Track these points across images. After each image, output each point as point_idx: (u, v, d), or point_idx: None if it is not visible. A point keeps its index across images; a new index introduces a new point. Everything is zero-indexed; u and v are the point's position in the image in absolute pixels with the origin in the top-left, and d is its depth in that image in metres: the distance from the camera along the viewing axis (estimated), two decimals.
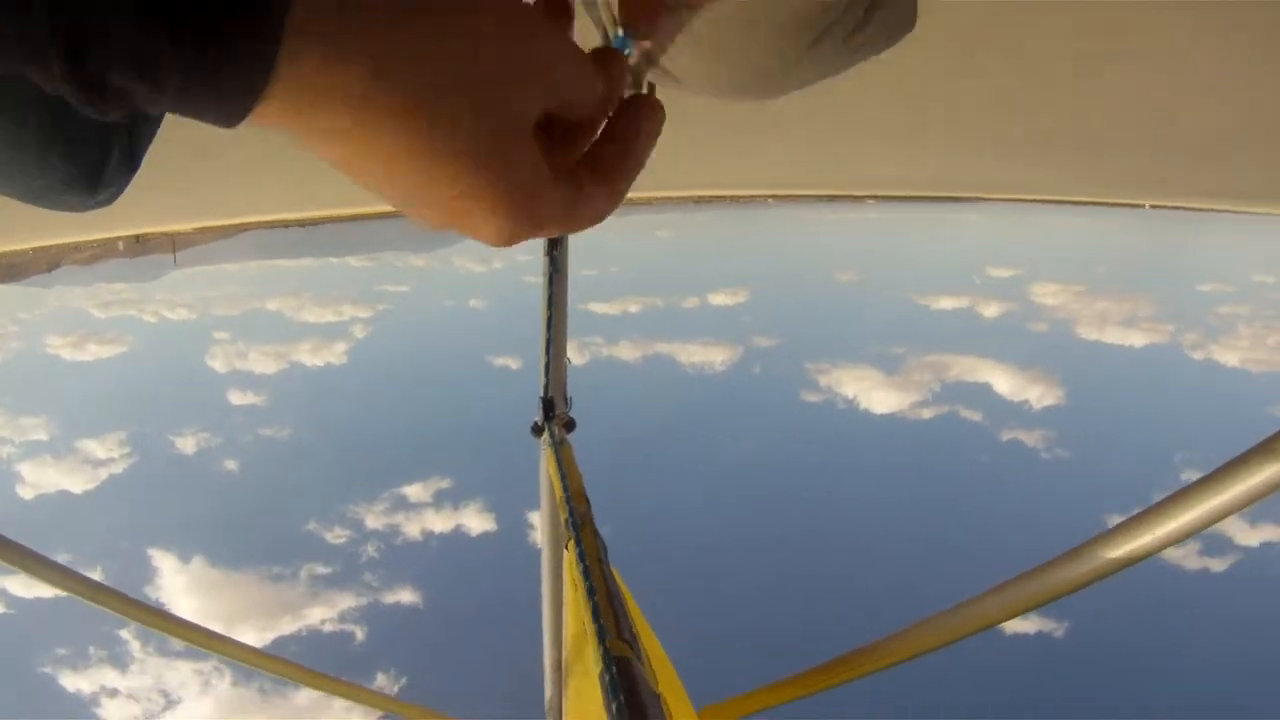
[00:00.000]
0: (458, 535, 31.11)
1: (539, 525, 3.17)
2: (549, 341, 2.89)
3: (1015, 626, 23.95)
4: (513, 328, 43.61)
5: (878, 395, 36.22)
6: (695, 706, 1.89)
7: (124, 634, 27.02)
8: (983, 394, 36.03)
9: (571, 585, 1.89)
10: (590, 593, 1.65)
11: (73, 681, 25.96)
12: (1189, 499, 1.06)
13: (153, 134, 1.41)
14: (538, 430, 3.13)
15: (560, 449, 2.87)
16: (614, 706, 1.31)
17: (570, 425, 3.15)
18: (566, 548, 2.08)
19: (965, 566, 24.26)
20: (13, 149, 1.21)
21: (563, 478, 2.44)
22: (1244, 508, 1.05)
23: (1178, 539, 1.05)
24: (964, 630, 1.27)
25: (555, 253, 3.01)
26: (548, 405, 3.15)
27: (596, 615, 1.53)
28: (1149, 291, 44.31)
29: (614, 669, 1.36)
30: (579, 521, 2.06)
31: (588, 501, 2.26)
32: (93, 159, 1.26)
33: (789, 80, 1.54)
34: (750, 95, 1.60)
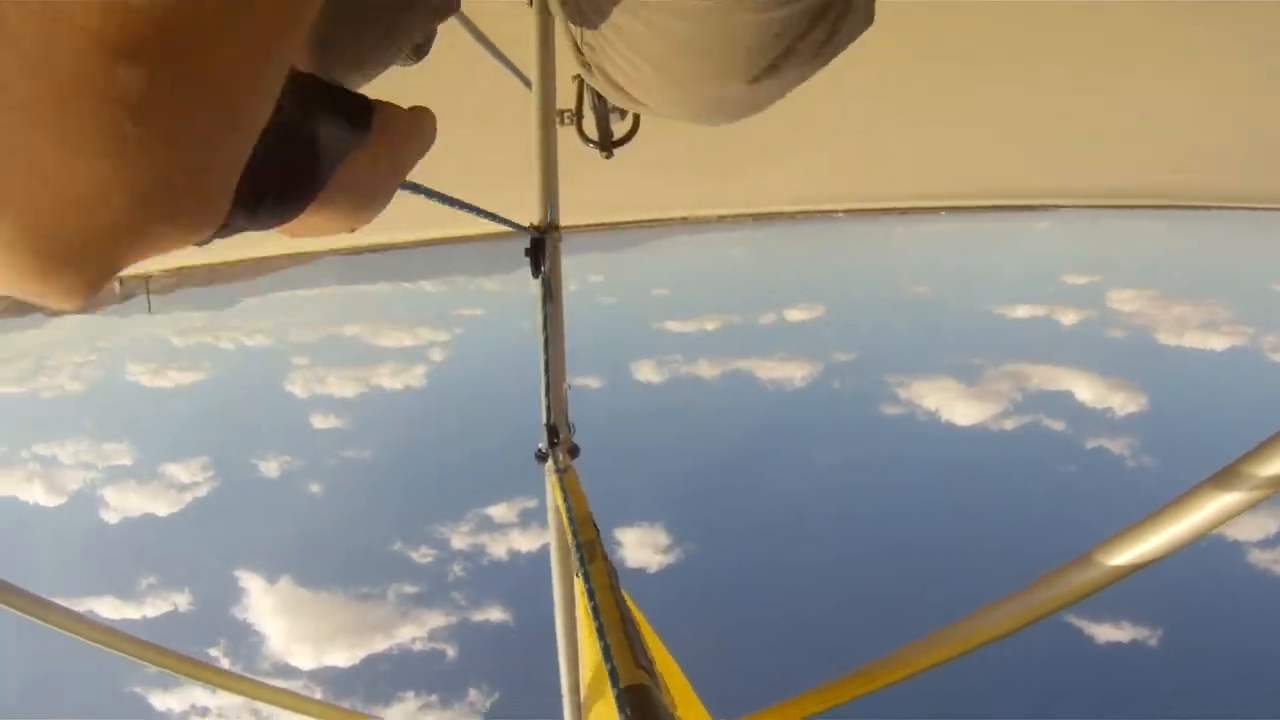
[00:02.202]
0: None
1: (551, 552, 3.05)
2: (548, 368, 2.89)
3: (1109, 635, 23.73)
4: (587, 348, 43.62)
5: (959, 407, 36.04)
6: None
7: (214, 651, 27.38)
8: (1065, 403, 35.65)
9: (584, 611, 1.80)
10: (597, 618, 1.62)
11: (163, 700, 26.20)
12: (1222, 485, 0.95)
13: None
14: (541, 457, 2.96)
15: (564, 475, 2.80)
16: None
17: (574, 451, 2.97)
18: (576, 575, 2.11)
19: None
20: None
21: (568, 504, 2.40)
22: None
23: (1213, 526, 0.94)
24: (1002, 630, 1.25)
25: (547, 278, 2.83)
26: (551, 432, 2.96)
27: (606, 647, 1.50)
28: (1225, 294, 43.50)
29: (630, 699, 1.34)
30: (586, 549, 2.01)
31: (596, 527, 2.21)
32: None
33: (759, 99, 1.57)
34: (717, 117, 1.64)
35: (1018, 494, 29.96)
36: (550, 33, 2.70)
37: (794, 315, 47.82)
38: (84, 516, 34.44)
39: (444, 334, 47.91)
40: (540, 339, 2.97)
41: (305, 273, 51.86)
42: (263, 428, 41.09)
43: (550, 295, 2.93)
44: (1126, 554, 1.00)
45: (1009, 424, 34.70)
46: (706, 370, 42.88)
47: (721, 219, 46.53)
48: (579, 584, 2.01)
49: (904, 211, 46.25)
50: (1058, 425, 34.12)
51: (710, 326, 47.25)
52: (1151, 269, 49.42)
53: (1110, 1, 7.00)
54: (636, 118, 3.41)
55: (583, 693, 2.18)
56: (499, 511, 32.65)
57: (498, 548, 31.66)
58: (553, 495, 2.75)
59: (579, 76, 3.14)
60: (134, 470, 36.75)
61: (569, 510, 2.34)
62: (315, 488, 36.06)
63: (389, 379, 44.35)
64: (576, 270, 57.01)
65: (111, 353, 47.15)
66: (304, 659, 27.90)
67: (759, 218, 48.12)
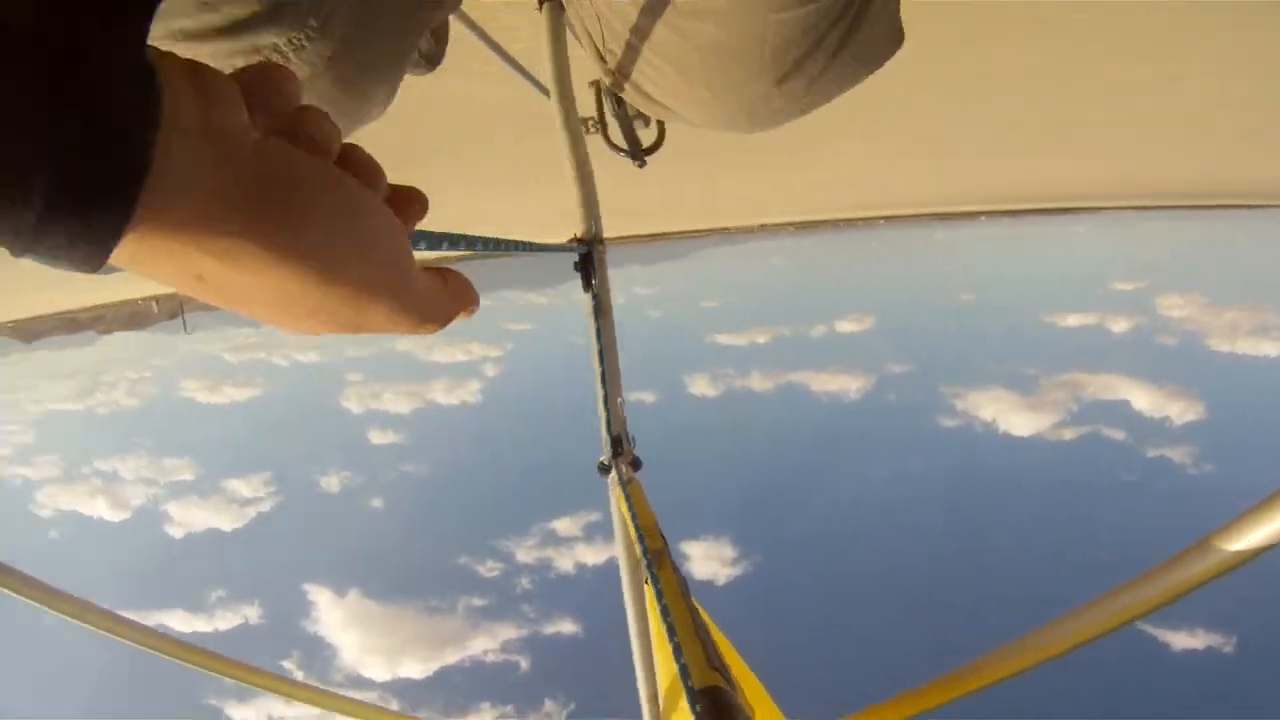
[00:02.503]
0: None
1: (619, 563, 3.09)
2: (605, 381, 2.94)
3: (1184, 642, 23.70)
4: (641, 362, 44.32)
5: (1016, 418, 35.85)
6: None
7: (287, 664, 27.81)
8: (1122, 412, 35.37)
9: (657, 620, 1.77)
10: (671, 631, 1.57)
11: (239, 712, 26.55)
12: None
13: None
14: (604, 469, 2.99)
15: (629, 487, 2.81)
16: None
17: (636, 464, 3.02)
18: (647, 584, 2.15)
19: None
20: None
21: (633, 516, 2.30)
22: None
23: None
24: (1087, 635, 1.28)
25: (596, 291, 2.85)
26: (615, 443, 2.95)
27: (679, 653, 1.46)
28: (1275, 298, 42.92)
29: (703, 700, 1.30)
30: (654, 558, 1.94)
31: (663, 538, 2.09)
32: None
33: (784, 105, 1.59)
34: (749, 123, 1.67)
35: (1081, 504, 29.64)
36: (563, 39, 2.55)
37: (844, 326, 47.97)
38: (149, 530, 34.95)
39: (496, 350, 48.35)
40: (595, 352, 2.80)
41: None
42: (321, 443, 41.42)
43: (600, 308, 2.79)
44: (1204, 561, 0.96)
45: (1068, 434, 34.46)
46: (760, 383, 43.07)
47: (763, 228, 46.36)
48: (650, 593, 1.97)
49: (942, 217, 46.15)
50: (1117, 435, 33.83)
51: (761, 339, 47.43)
52: (1197, 272, 48.96)
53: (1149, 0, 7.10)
54: (662, 124, 3.44)
55: (660, 701, 2.30)
56: (563, 525, 32.86)
57: (564, 561, 31.84)
58: (618, 507, 2.64)
59: (596, 83, 3.22)
60: (196, 485, 37.25)
61: (635, 521, 2.30)
62: (377, 502, 36.40)
63: (444, 394, 44.71)
64: (620, 282, 56.59)
65: (165, 370, 47.77)
66: (378, 670, 28.26)
67: (800, 226, 47.94)
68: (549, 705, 26.47)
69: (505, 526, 32.79)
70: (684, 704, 1.40)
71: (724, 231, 45.29)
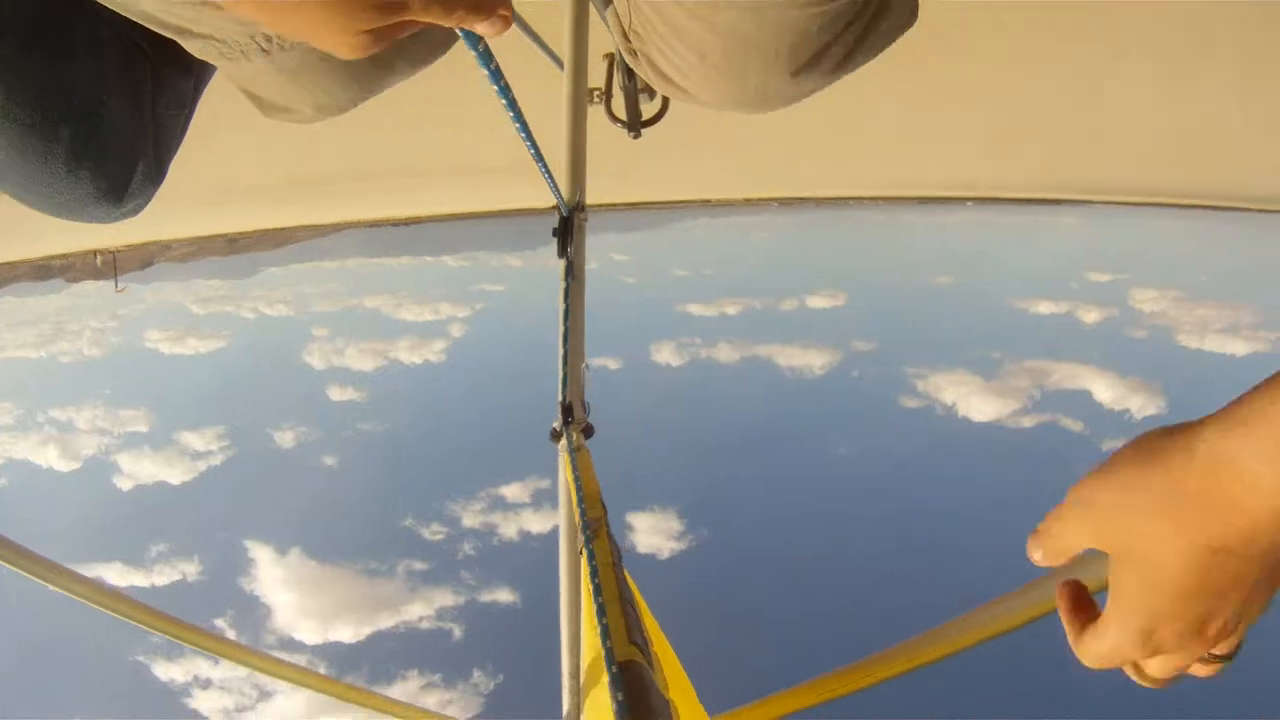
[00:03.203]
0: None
1: (560, 530, 3.09)
2: (566, 348, 2.91)
3: None
4: (609, 328, 44.00)
5: (976, 402, 35.95)
6: (710, 714, 1.82)
7: (220, 623, 27.55)
8: (1083, 402, 35.54)
9: (586, 591, 1.83)
10: (598, 593, 1.68)
11: (166, 670, 26.42)
12: None
13: (177, 147, 1.45)
14: (555, 436, 3.01)
15: (577, 455, 2.84)
16: (619, 708, 1.31)
17: (588, 431, 3.03)
18: (581, 553, 2.09)
19: None
20: (43, 163, 1.24)
21: (578, 483, 2.44)
22: None
23: None
24: (981, 635, 1.29)
25: (570, 261, 2.91)
26: (566, 411, 2.99)
27: (603, 614, 1.57)
28: (1251, 299, 43.11)
29: (620, 671, 1.38)
30: (593, 527, 2.07)
31: (604, 507, 2.27)
32: (121, 172, 1.33)
33: (796, 92, 1.56)
34: (759, 108, 1.62)
35: (1032, 494, 29.32)
36: (585, 13, 2.68)
37: (815, 302, 47.95)
38: (97, 482, 34.78)
39: (465, 309, 48.04)
40: (560, 318, 2.98)
41: (327, 244, 52.21)
42: (280, 398, 41.50)
43: (573, 274, 2.95)
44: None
45: (1026, 421, 34.70)
46: (726, 354, 43.14)
47: (746, 202, 46.37)
48: (584, 561, 1.98)
49: (928, 201, 46.06)
50: (1075, 425, 34.10)
51: (731, 310, 47.50)
52: (1176, 269, 49.02)
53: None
54: (666, 99, 3.30)
55: (582, 676, 2.08)
56: (512, 491, 32.68)
57: (509, 528, 31.69)
58: (564, 473, 2.77)
59: (610, 56, 3.17)
60: (149, 437, 37.18)
61: (579, 488, 2.38)
62: (330, 460, 36.34)
63: (408, 353, 44.56)
64: (599, 249, 57.11)
65: (131, 319, 47.61)
66: (310, 633, 28.13)
67: (784, 202, 47.87)
68: (477, 675, 26.38)
69: (454, 489, 32.71)
70: (604, 679, 1.43)
71: (706, 204, 45.37)
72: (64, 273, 41.57)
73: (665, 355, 43.07)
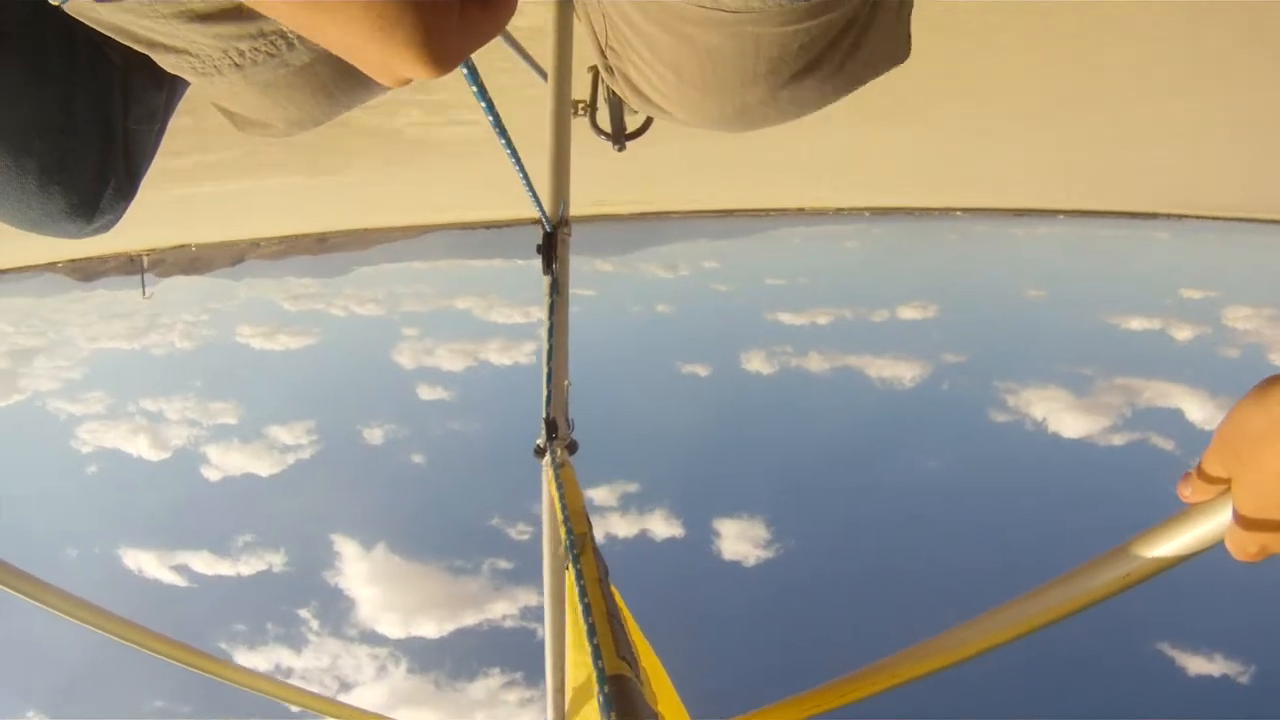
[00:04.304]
0: (642, 540, 31.18)
1: (543, 547, 3.28)
2: (550, 363, 3.06)
3: (1201, 667, 23.33)
4: (700, 335, 44.69)
5: (1067, 418, 35.24)
6: None
7: (303, 613, 28.09)
8: (1174, 421, 34.70)
9: (572, 607, 1.84)
10: (586, 611, 1.66)
11: (248, 659, 26.36)
12: None
13: (149, 162, 1.44)
14: (539, 452, 3.10)
15: (561, 471, 2.87)
16: None
17: (573, 447, 3.13)
18: (567, 569, 2.07)
19: (1156, 605, 23.76)
20: (16, 177, 1.24)
21: (562, 499, 2.43)
22: None
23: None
24: (990, 642, 1.32)
25: (555, 277, 2.98)
26: (550, 426, 3.07)
27: (593, 634, 1.52)
28: None
29: (609, 687, 1.35)
30: (578, 543, 2.07)
31: (589, 522, 2.27)
32: (93, 188, 1.33)
33: (777, 112, 1.52)
34: (737, 127, 1.59)
35: (1122, 514, 28.26)
36: (569, 26, 2.67)
37: (907, 313, 47.23)
38: (186, 472, 35.15)
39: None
40: (545, 334, 3.09)
41: (419, 244, 52.75)
42: (369, 395, 41.75)
43: (558, 290, 3.01)
44: (1117, 570, 1.14)
45: (1117, 440, 34.03)
46: (816, 364, 42.62)
47: (839, 211, 46.20)
48: (570, 577, 1.97)
49: (1022, 213, 45.68)
50: (1167, 444, 33.37)
51: (822, 320, 46.76)
52: (1270, 287, 47.37)
53: (1240, 17, 6.88)
54: None
55: (568, 691, 2.16)
56: (599, 494, 32.59)
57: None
58: (548, 489, 2.84)
59: (595, 68, 3.14)
60: (238, 429, 37.57)
61: (563, 504, 2.38)
62: (418, 458, 36.54)
63: (497, 355, 44.54)
64: (690, 256, 57.74)
65: (224, 314, 47.95)
66: (392, 627, 28.21)
67: (876, 212, 47.81)
68: None
69: (541, 492, 32.58)
70: (593, 696, 1.43)
71: (800, 212, 45.08)
72: (154, 268, 42.11)
73: (756, 363, 42.57)
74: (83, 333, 43.80)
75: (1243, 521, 0.95)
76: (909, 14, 1.49)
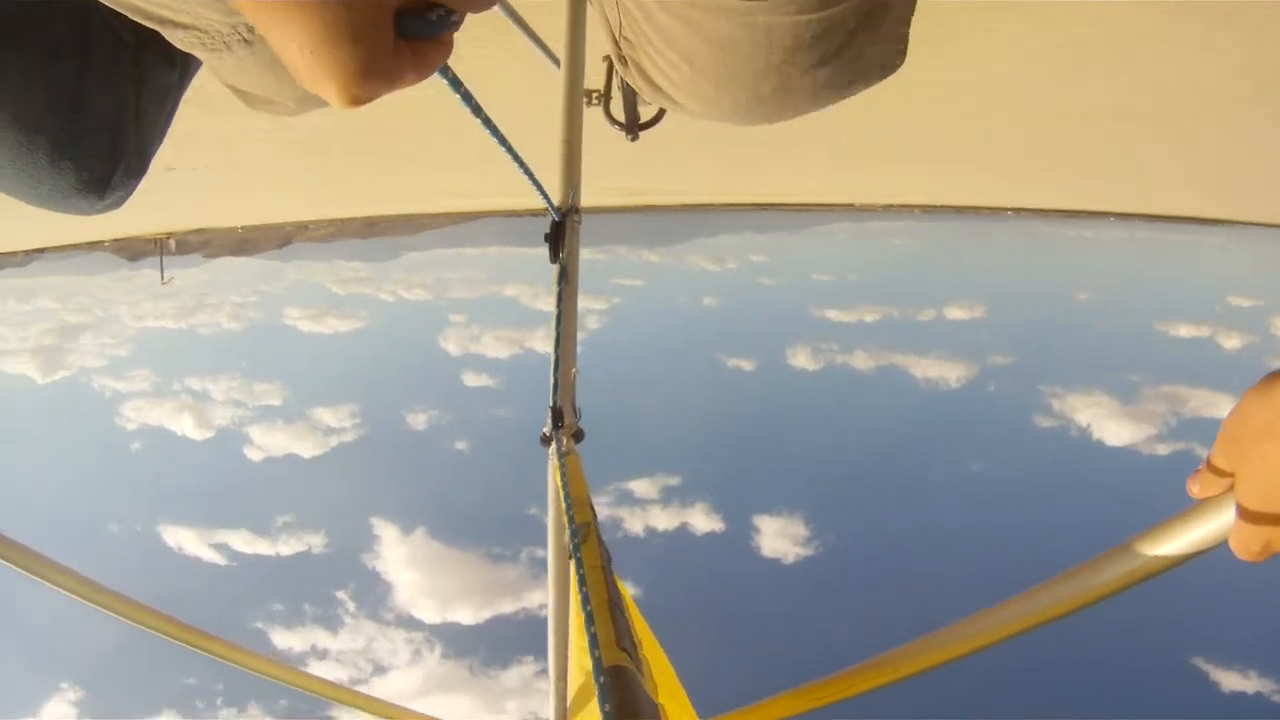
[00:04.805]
0: (682, 534, 31.16)
1: (547, 536, 3.08)
2: (558, 352, 3.01)
3: (1235, 684, 23.13)
4: (745, 328, 44.65)
5: (1111, 426, 35.02)
6: (701, 717, 1.84)
7: (341, 594, 28.40)
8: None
9: (575, 596, 1.81)
10: (585, 600, 1.66)
11: (284, 639, 26.80)
12: None
13: (160, 140, 1.45)
14: (545, 441, 3.02)
15: (566, 459, 2.83)
16: (607, 712, 1.28)
17: (579, 436, 3.07)
18: (569, 558, 2.03)
19: (1191, 618, 23.45)
20: (27, 153, 1.25)
21: (566, 488, 2.43)
22: None
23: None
24: (997, 635, 1.38)
25: (564, 265, 2.95)
26: (556, 415, 3.01)
27: (591, 622, 1.53)
28: None
29: (607, 676, 1.36)
30: (581, 532, 2.03)
31: (593, 511, 2.24)
32: (104, 164, 1.33)
33: (789, 105, 1.52)
34: (749, 120, 1.58)
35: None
36: (582, 12, 2.72)
37: (954, 313, 47.24)
38: (229, 451, 35.54)
39: (601, 303, 47.74)
40: (554, 322, 3.02)
41: (468, 230, 52.74)
42: (415, 380, 42.13)
43: (566, 278, 2.97)
44: (1123, 566, 1.13)
45: (1161, 449, 33.82)
46: (862, 362, 42.60)
47: (888, 208, 46.02)
48: (573, 566, 1.94)
49: (1073, 214, 45.38)
50: None
51: (869, 318, 46.80)
52: None
53: None
54: None
55: (570, 676, 2.21)
56: (641, 487, 32.68)
57: (634, 523, 31.54)
58: (553, 478, 2.81)
59: (609, 58, 2.98)
60: (282, 411, 37.93)
61: (567, 493, 2.38)
62: (461, 444, 36.83)
63: (543, 343, 43.82)
64: (737, 249, 57.83)
65: (272, 295, 48.27)
66: (428, 612, 28.42)
67: (927, 209, 47.58)
68: None
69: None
70: (591, 685, 1.45)
71: (849, 208, 44.94)
72: (201, 248, 42.34)
73: (801, 360, 42.55)
74: (130, 311, 44.28)
75: (1246, 516, 0.95)
76: (908, 23, 1.49)
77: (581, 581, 1.74)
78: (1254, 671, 23.23)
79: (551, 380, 2.99)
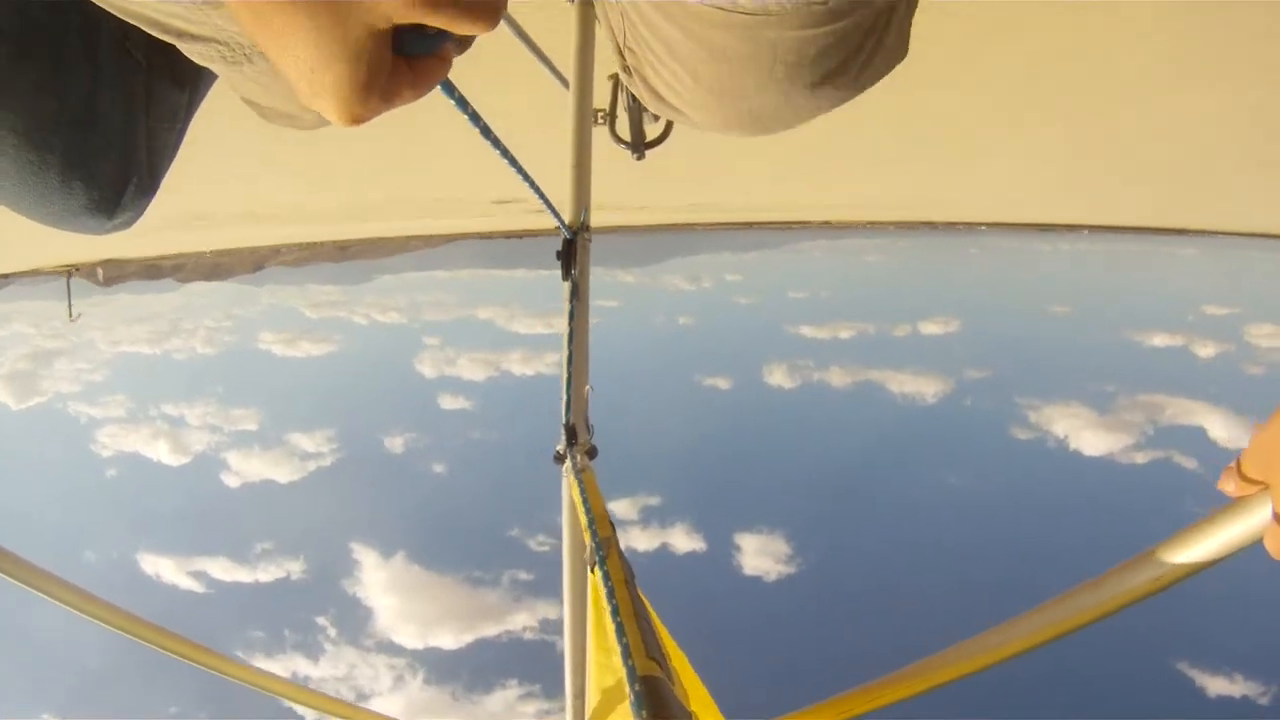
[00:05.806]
0: (663, 554, 31.35)
1: (562, 552, 3.17)
2: (570, 370, 3.02)
3: (1222, 688, 23.23)
4: (722, 348, 45.01)
5: (1089, 436, 35.12)
6: None
7: (321, 621, 28.21)
8: (1197, 439, 34.55)
9: (595, 610, 1.90)
10: (615, 612, 1.66)
11: (265, 667, 26.14)
12: None
13: (170, 160, 1.44)
14: (559, 458, 3.03)
15: (583, 475, 2.84)
16: (644, 718, 1.28)
17: (592, 453, 3.07)
18: (591, 572, 2.10)
19: (1176, 624, 23.78)
20: (38, 173, 1.24)
21: (585, 504, 2.44)
22: None
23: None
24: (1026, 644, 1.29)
25: (575, 283, 2.97)
26: (570, 432, 3.01)
27: (621, 633, 1.55)
28: None
29: (641, 686, 1.36)
30: (603, 545, 2.09)
31: (613, 525, 2.30)
32: (114, 184, 1.33)
33: (792, 116, 1.54)
34: (752, 131, 1.61)
35: (1144, 532, 28.54)
36: (591, 33, 2.71)
37: (929, 328, 47.50)
38: (205, 477, 35.37)
39: None
40: (565, 340, 3.04)
41: (442, 254, 52.70)
42: (390, 404, 42.17)
43: (578, 296, 2.99)
44: (1144, 575, 1.11)
45: (1139, 458, 33.91)
46: (838, 378, 42.79)
47: (863, 225, 46.26)
48: (594, 580, 2.04)
49: (1046, 228, 45.70)
50: (1189, 463, 33.34)
51: (844, 335, 47.11)
52: None
53: (1268, 29, 6.83)
54: (669, 122, 3.32)
55: (592, 696, 2.10)
56: (620, 507, 32.48)
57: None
58: (569, 495, 2.86)
59: (615, 76, 3.22)
60: (259, 436, 37.84)
61: (587, 509, 2.39)
62: (439, 467, 36.76)
63: (519, 365, 44.85)
64: (713, 269, 58.26)
65: (246, 320, 48.41)
66: (410, 638, 28.34)
67: (901, 225, 47.84)
68: None
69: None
70: (612, 700, 1.57)
71: (824, 225, 45.11)
72: (175, 273, 42.28)
73: (778, 377, 42.75)
74: (104, 336, 44.16)
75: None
76: (912, 14, 1.50)
77: (610, 594, 1.75)
78: (1240, 675, 23.45)
79: (564, 397, 3.01)
